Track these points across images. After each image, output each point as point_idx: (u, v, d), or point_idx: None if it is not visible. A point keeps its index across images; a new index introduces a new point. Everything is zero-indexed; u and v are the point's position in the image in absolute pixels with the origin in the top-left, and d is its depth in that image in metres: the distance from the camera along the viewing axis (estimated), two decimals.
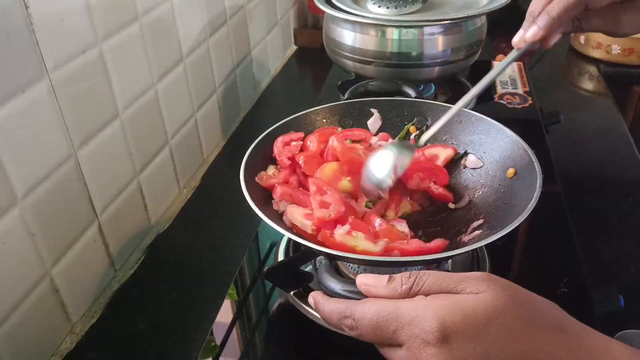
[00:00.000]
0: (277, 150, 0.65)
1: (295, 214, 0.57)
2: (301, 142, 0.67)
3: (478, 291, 0.37)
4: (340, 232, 0.54)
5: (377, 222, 0.58)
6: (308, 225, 0.55)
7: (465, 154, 0.67)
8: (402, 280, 0.39)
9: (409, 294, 0.38)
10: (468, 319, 0.35)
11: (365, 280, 0.41)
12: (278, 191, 0.59)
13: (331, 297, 0.44)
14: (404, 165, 0.59)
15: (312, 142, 0.66)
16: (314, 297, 0.45)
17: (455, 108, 0.60)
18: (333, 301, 0.42)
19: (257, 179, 0.61)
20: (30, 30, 0.53)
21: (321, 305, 0.43)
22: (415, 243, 0.55)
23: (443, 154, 0.68)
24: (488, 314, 0.35)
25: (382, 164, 0.59)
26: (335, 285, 0.48)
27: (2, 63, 0.50)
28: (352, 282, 0.47)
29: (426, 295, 0.38)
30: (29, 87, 0.54)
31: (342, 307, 0.40)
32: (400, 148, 0.60)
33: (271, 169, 0.64)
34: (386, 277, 0.40)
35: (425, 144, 0.64)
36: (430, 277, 0.39)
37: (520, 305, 0.36)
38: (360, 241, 0.53)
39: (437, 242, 0.55)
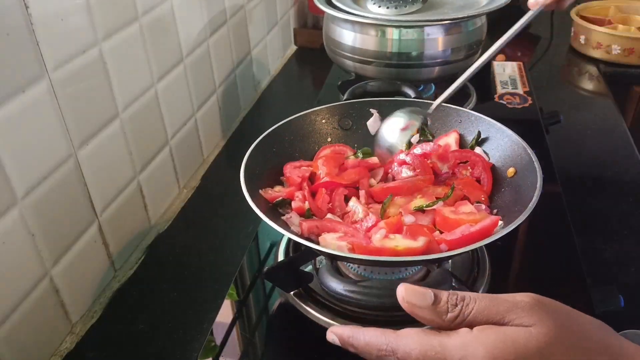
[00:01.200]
0: (287, 172, 0.66)
1: (329, 241, 0.55)
2: (311, 168, 0.67)
3: (529, 324, 0.35)
4: (377, 237, 0.53)
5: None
6: (344, 246, 0.54)
7: (479, 135, 0.67)
8: (448, 306, 0.37)
9: (453, 323, 0.36)
10: (520, 356, 0.33)
11: (408, 298, 0.38)
12: (305, 226, 0.58)
13: (357, 328, 0.39)
14: (413, 129, 0.60)
15: (322, 170, 0.65)
16: (339, 333, 0.40)
17: (478, 63, 0.63)
18: (368, 333, 0.38)
19: (261, 192, 0.61)
20: (30, 30, 0.53)
21: (355, 341, 0.39)
22: (459, 232, 0.53)
23: (452, 140, 0.68)
24: (541, 350, 0.34)
25: (393, 129, 0.60)
26: (336, 285, 0.47)
27: (2, 63, 0.50)
28: (353, 282, 0.46)
29: (471, 326, 0.36)
30: (29, 87, 0.54)
31: (382, 342, 0.37)
32: (410, 114, 0.61)
33: (278, 188, 0.65)
34: (431, 295, 0.37)
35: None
36: (477, 305, 0.36)
37: (574, 338, 0.35)
38: (399, 241, 0.52)
39: (485, 223, 0.53)
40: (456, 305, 0.36)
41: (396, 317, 0.54)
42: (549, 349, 0.34)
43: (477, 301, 0.36)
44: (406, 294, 0.38)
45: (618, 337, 0.37)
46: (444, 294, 0.37)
